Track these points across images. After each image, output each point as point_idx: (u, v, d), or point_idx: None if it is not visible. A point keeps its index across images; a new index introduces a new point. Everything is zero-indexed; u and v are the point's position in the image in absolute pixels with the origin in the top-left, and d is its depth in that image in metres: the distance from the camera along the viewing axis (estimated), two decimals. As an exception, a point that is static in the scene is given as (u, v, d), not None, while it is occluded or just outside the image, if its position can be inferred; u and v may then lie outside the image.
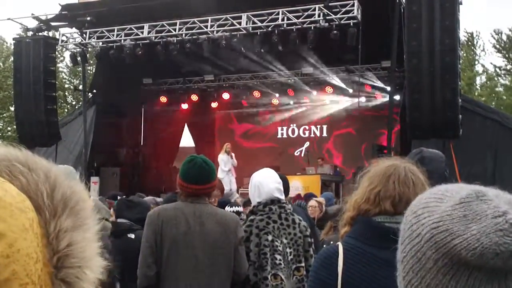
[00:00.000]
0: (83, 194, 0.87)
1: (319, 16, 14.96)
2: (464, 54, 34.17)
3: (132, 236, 5.61)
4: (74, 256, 0.81)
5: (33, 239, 0.76)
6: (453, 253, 0.95)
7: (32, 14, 18.30)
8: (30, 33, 18.43)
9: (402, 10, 13.92)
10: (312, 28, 15.17)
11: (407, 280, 1.04)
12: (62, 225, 0.81)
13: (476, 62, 37.24)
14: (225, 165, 16.91)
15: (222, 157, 17.05)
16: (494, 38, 35.21)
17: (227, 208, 6.60)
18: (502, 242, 0.92)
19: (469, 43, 36.84)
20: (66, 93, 37.03)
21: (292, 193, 10.64)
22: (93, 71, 24.83)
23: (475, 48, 37.34)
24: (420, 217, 1.04)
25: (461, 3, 13.57)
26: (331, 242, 6.16)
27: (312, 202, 9.01)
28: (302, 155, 22.58)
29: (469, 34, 36.85)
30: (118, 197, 10.00)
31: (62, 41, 18.65)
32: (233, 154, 17.37)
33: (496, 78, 35.82)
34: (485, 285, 0.95)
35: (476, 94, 33.67)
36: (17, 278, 0.73)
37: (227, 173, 16.84)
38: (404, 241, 1.07)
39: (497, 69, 35.70)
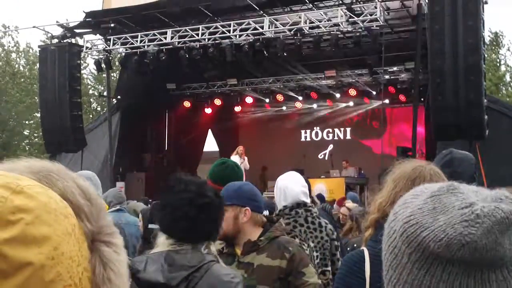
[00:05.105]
0: (103, 205, 0.91)
1: (341, 19, 14.93)
2: (492, 55, 33.67)
3: None
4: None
5: (75, 243, 0.80)
6: (423, 245, 0.95)
7: (57, 22, 18.53)
8: (55, 41, 18.64)
9: (425, 11, 13.84)
10: (335, 31, 15.14)
11: (388, 278, 1.04)
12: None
13: (502, 62, 36.73)
14: (236, 166, 16.85)
15: (233, 158, 17.00)
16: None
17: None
18: (467, 233, 0.91)
19: (494, 43, 36.33)
20: (91, 99, 37.36)
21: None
22: (117, 77, 25.01)
23: (500, 48, 36.81)
24: (397, 214, 1.04)
25: (486, 3, 13.45)
26: (355, 245, 6.15)
27: (344, 210, 8.87)
28: (326, 158, 22.52)
29: (494, 34, 36.36)
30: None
31: (87, 47, 18.83)
32: (245, 158, 17.33)
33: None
34: (461, 279, 0.93)
35: (500, 94, 33.23)
36: (62, 279, 0.76)
37: None
38: (384, 240, 1.07)
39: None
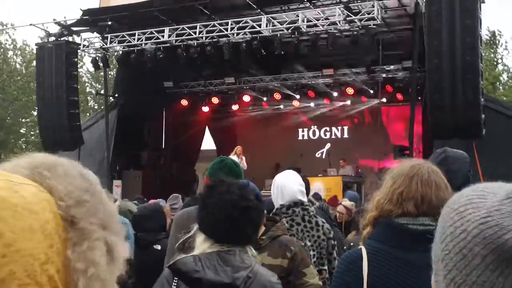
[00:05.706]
0: (101, 203, 0.90)
1: (339, 17, 14.93)
2: (486, 53, 33.69)
3: (158, 247, 5.42)
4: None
5: (42, 240, 0.77)
6: (504, 248, 0.93)
7: (54, 20, 18.47)
8: (52, 38, 18.59)
9: (423, 10, 13.85)
10: (332, 29, 15.14)
11: (450, 278, 1.02)
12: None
13: (499, 61, 36.74)
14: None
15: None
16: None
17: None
18: None
19: (491, 42, 36.36)
20: (88, 98, 37.34)
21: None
22: (114, 75, 24.97)
23: (497, 47, 36.84)
24: (464, 213, 1.02)
25: (483, 2, 13.45)
26: (351, 244, 6.15)
27: (340, 208, 8.90)
28: (323, 156, 22.51)
29: (491, 33, 36.40)
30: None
31: (84, 45, 18.79)
32: (243, 157, 17.28)
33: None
34: None
35: (496, 93, 33.25)
36: (15, 278, 0.73)
37: None
38: (446, 239, 1.05)
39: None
